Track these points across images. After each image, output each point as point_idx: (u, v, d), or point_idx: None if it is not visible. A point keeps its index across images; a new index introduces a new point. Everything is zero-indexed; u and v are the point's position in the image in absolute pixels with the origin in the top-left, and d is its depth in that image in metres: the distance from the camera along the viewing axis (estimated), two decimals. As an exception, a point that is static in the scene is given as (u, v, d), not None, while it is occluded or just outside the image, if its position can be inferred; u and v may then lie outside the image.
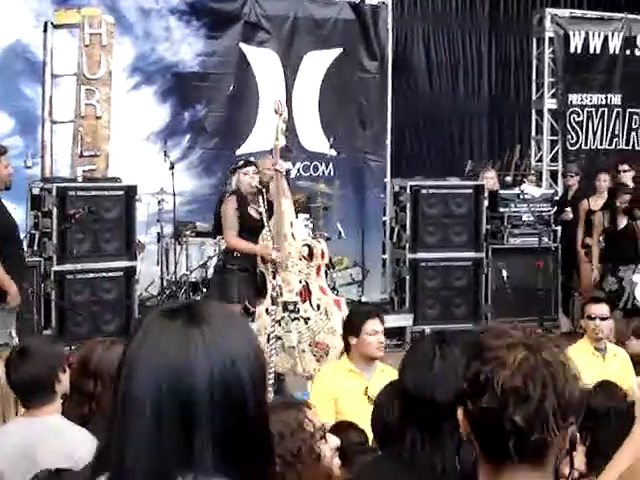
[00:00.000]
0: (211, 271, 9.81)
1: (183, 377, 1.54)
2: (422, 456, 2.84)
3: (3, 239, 6.90)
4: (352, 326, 5.84)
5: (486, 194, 11.36)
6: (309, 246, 7.64)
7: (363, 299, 11.41)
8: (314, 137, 11.86)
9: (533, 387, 1.77)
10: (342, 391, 5.66)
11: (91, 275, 9.69)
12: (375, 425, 3.36)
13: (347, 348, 5.87)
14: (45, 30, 10.61)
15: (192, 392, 1.53)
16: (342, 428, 4.59)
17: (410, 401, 2.92)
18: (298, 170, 11.69)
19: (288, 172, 9.27)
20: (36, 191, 9.85)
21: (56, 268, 9.49)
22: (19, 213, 8.70)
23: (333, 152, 11.60)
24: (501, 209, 11.37)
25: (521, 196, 11.39)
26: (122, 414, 1.57)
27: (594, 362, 6.55)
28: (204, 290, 10.11)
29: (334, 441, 3.08)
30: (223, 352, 1.58)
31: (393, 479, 2.95)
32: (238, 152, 11.22)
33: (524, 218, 11.37)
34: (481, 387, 1.80)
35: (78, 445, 3.76)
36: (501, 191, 11.71)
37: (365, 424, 4.35)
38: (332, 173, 11.95)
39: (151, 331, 1.62)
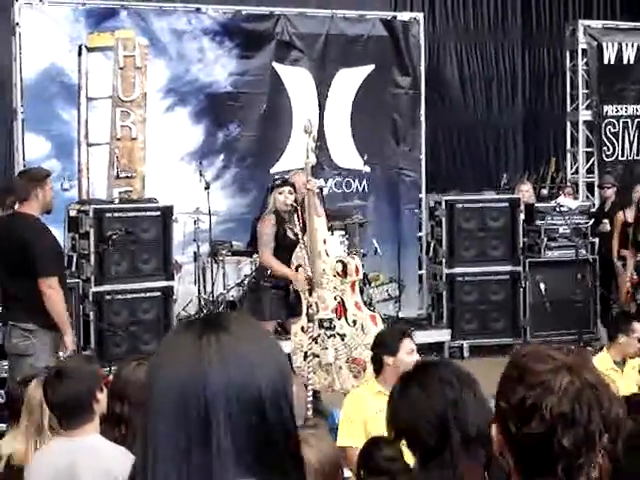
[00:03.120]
0: (245, 288, 9.85)
1: (198, 382, 1.54)
2: None
3: (59, 266, 6.93)
4: (388, 345, 5.68)
5: (522, 207, 11.32)
6: (343, 262, 7.64)
7: (400, 315, 11.40)
8: (347, 154, 11.88)
9: (580, 411, 1.79)
10: (371, 414, 5.54)
11: (129, 296, 9.75)
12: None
13: (378, 368, 5.72)
14: (79, 53, 10.72)
15: (207, 397, 1.53)
16: (376, 443, 4.59)
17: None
18: (330, 187, 11.70)
19: (320, 190, 9.30)
20: (73, 213, 9.94)
21: (94, 289, 9.56)
22: (57, 235, 8.73)
23: (367, 169, 11.62)
24: (538, 222, 11.30)
25: (557, 208, 11.31)
26: (145, 426, 1.59)
27: (614, 376, 6.47)
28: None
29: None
30: (240, 357, 1.57)
31: None
32: (272, 171, 11.27)
33: (561, 230, 11.29)
34: (527, 412, 1.81)
35: (117, 464, 3.78)
36: (537, 204, 11.65)
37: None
38: (366, 189, 11.96)
39: (169, 341, 1.65)
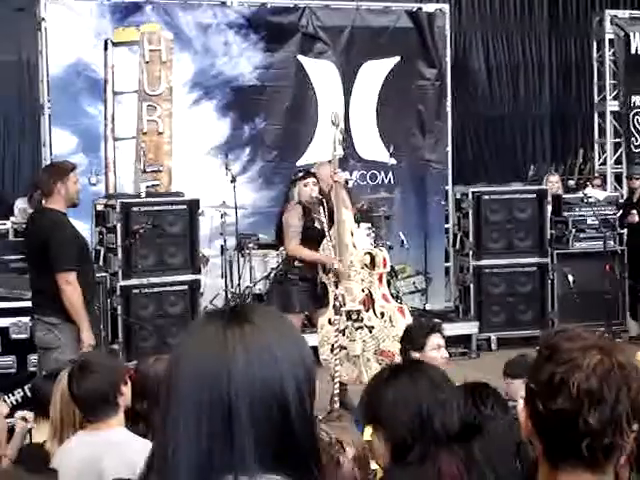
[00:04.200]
0: (271, 281, 9.83)
1: (221, 374, 1.53)
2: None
3: (80, 260, 6.93)
4: (414, 341, 5.62)
5: (550, 199, 11.26)
6: (371, 254, 7.63)
7: (427, 307, 11.36)
8: (372, 146, 11.83)
9: (608, 390, 1.78)
10: None
11: (156, 289, 9.76)
12: None
13: None
14: (105, 48, 10.75)
15: (230, 389, 1.52)
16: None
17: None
18: (355, 180, 11.65)
19: (347, 182, 9.26)
20: (100, 207, 9.98)
21: (122, 283, 9.58)
22: (84, 230, 8.78)
23: (393, 161, 11.59)
24: (565, 213, 11.25)
25: (585, 200, 11.25)
26: (166, 418, 1.57)
27: None
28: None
29: (351, 452, 3.13)
30: (263, 349, 1.56)
31: None
32: (298, 164, 11.24)
33: (589, 222, 11.23)
34: (555, 388, 1.81)
35: (142, 458, 3.77)
36: (565, 195, 11.59)
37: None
38: (392, 181, 11.92)
39: (193, 332, 1.64)
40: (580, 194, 11.53)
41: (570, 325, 10.52)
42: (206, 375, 1.54)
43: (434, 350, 5.55)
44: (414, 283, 11.70)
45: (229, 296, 10.56)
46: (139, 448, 3.85)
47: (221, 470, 1.52)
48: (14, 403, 7.87)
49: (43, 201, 7.24)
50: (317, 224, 7.96)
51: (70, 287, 6.67)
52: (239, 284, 10.58)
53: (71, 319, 6.73)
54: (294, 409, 1.56)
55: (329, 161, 7.96)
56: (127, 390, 4.02)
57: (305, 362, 1.61)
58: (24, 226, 7.68)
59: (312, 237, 7.92)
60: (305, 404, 1.58)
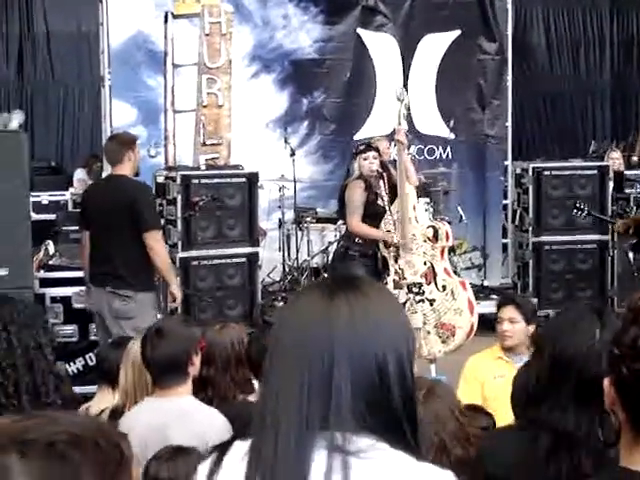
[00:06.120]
0: (331, 257, 9.83)
1: (324, 331, 1.59)
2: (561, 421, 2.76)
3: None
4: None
5: (611, 175, 11.11)
6: (434, 227, 7.62)
7: (485, 284, 11.30)
8: (430, 120, 11.74)
9: None
10: (489, 377, 5.63)
11: (215, 261, 9.77)
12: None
13: None
14: (166, 20, 10.76)
15: (332, 346, 1.57)
16: (469, 411, 4.55)
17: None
18: (413, 154, 11.57)
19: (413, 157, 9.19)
20: (160, 179, 9.99)
21: (181, 255, 9.60)
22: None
23: (452, 136, 11.50)
24: (627, 190, 11.09)
25: (647, 176, 11.11)
26: (268, 375, 1.63)
27: None
28: (326, 276, 10.12)
29: None
30: (367, 312, 1.62)
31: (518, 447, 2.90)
32: (355, 137, 11.20)
33: (650, 199, 11.08)
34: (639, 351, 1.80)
35: (209, 426, 3.80)
36: (626, 172, 11.43)
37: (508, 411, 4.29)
38: (450, 156, 11.82)
39: (301, 295, 1.72)
40: (642, 171, 11.37)
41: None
42: (311, 334, 1.59)
43: (505, 322, 5.63)
44: (470, 259, 11.64)
45: (286, 269, 10.59)
46: (206, 417, 3.88)
47: (318, 426, 1.55)
48: (75, 372, 8.01)
49: (109, 169, 7.34)
50: (379, 200, 7.93)
51: (159, 244, 6.92)
52: (297, 258, 10.60)
53: (145, 288, 6.89)
54: (392, 372, 1.60)
55: (386, 136, 7.95)
56: (197, 360, 4.03)
57: (406, 331, 1.68)
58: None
59: (375, 213, 7.88)
60: (404, 370, 1.62)
